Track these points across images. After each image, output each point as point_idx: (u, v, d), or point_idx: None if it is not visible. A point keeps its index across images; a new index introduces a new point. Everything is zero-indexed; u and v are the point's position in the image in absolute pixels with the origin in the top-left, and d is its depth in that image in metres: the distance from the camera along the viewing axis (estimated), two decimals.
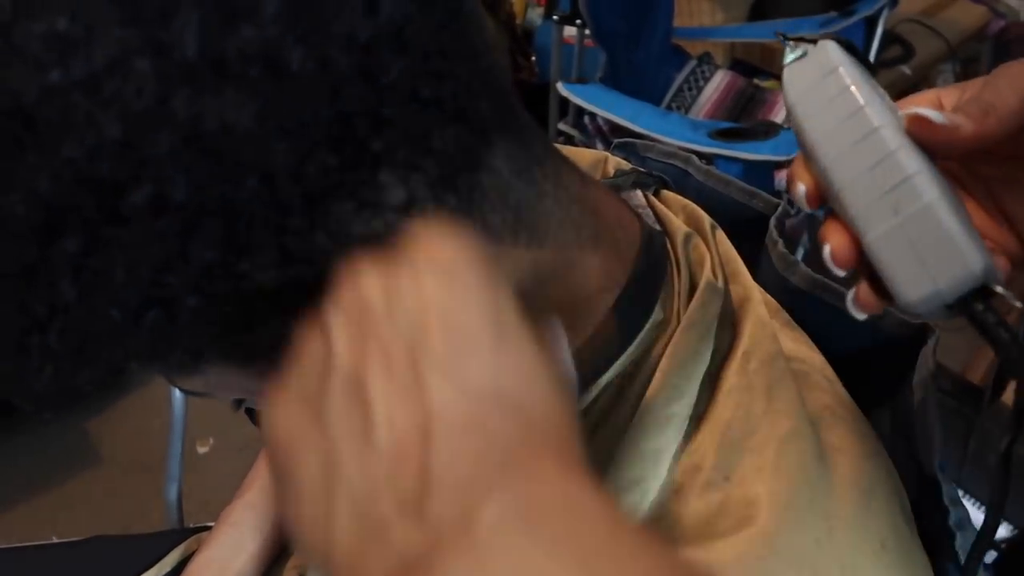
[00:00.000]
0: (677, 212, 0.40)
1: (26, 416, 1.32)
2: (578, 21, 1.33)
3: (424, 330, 0.23)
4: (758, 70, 1.76)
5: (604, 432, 0.34)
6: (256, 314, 0.26)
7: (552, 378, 0.23)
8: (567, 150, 0.44)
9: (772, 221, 0.44)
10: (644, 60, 1.47)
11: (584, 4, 1.27)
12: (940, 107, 0.28)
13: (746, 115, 1.52)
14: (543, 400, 0.23)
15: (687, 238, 0.36)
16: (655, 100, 1.52)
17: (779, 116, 1.45)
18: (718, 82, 1.55)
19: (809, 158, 0.30)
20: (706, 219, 0.39)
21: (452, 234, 0.25)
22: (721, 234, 0.39)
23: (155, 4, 0.22)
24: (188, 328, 0.25)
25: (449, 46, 0.26)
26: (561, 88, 1.33)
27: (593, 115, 1.34)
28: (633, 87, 1.43)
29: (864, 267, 0.29)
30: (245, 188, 0.23)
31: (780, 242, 0.43)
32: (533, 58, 1.82)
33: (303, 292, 0.26)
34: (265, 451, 0.25)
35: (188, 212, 0.23)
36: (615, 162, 0.44)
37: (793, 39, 0.30)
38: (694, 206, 0.40)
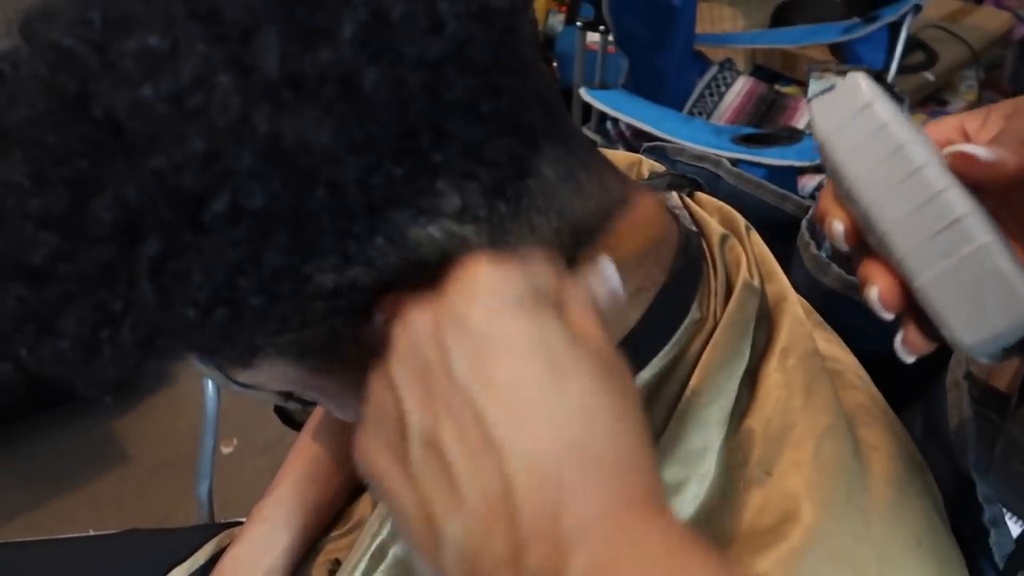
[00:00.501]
0: (712, 213, 0.41)
1: (53, 415, 1.34)
2: (601, 27, 1.34)
3: (484, 387, 0.24)
4: (779, 76, 1.76)
5: None
6: (313, 313, 0.28)
7: (615, 409, 0.25)
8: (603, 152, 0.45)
9: (804, 223, 0.45)
10: (666, 66, 1.48)
11: (607, 10, 1.28)
12: (964, 134, 0.28)
13: (768, 121, 1.51)
14: (608, 439, 0.24)
15: (723, 239, 0.37)
16: (677, 106, 1.52)
17: (801, 122, 1.45)
18: (740, 88, 1.55)
19: (845, 196, 0.29)
20: (741, 220, 0.40)
21: (493, 271, 0.26)
22: (756, 235, 0.40)
23: (237, 24, 0.23)
24: (250, 325, 0.27)
25: (505, 61, 0.27)
26: (584, 94, 1.34)
27: (616, 120, 1.35)
28: (655, 93, 1.44)
29: (912, 309, 0.28)
30: (315, 198, 0.24)
31: (812, 244, 0.43)
32: (554, 64, 1.84)
33: (357, 293, 0.27)
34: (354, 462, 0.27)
35: (262, 220, 0.24)
36: (649, 165, 0.45)
37: (820, 71, 0.30)
38: (728, 208, 0.41)
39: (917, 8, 1.39)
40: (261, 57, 0.23)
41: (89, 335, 0.25)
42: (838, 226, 0.29)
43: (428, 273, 0.27)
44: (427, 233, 0.27)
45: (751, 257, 0.38)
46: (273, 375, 0.31)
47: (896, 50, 1.43)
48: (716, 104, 1.56)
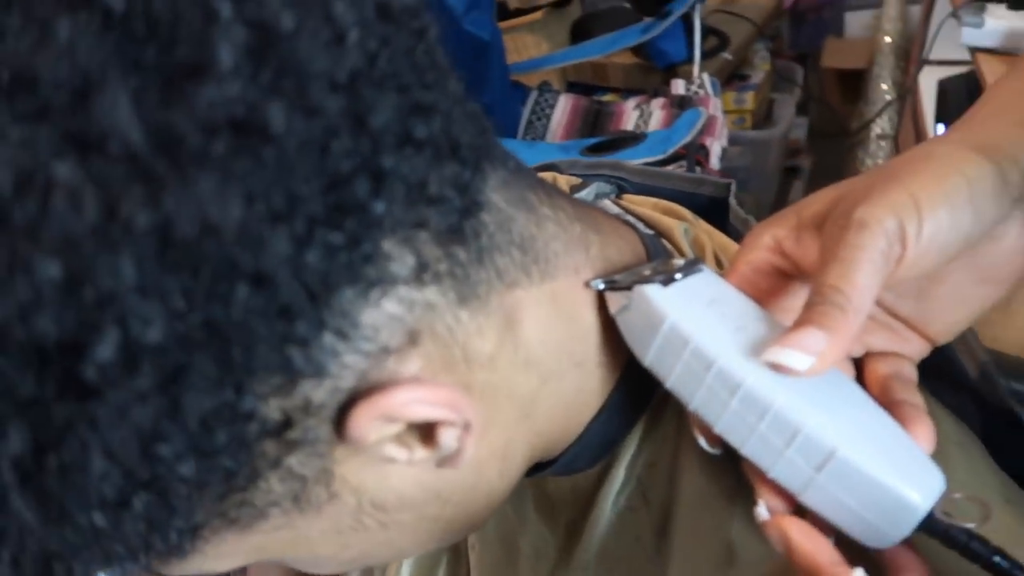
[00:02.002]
0: (651, 210, 0.37)
1: None
2: None
3: None
4: (594, 87, 1.82)
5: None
6: (263, 458, 0.21)
7: None
8: None
9: (732, 201, 0.43)
10: (490, 100, 1.48)
11: None
12: (781, 252, 0.27)
13: (599, 130, 1.55)
14: None
15: (685, 231, 0.34)
16: (509, 136, 1.53)
17: (629, 124, 1.50)
18: (563, 106, 1.58)
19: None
20: (683, 210, 0.37)
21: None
22: (704, 223, 0.37)
23: (63, 85, 0.16)
24: (184, 504, 0.20)
25: (425, 70, 0.22)
26: None
27: None
28: None
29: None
30: (237, 301, 0.18)
31: (751, 219, 0.41)
32: None
33: (313, 417, 0.21)
34: None
35: (171, 353, 0.17)
36: (566, 179, 0.41)
37: (606, 289, 0.27)
38: (665, 202, 0.38)
39: None
40: (110, 122, 0.16)
41: None
42: (700, 439, 0.27)
43: (399, 361, 0.22)
44: (384, 312, 0.21)
45: (713, 245, 0.35)
46: (221, 553, 0.23)
47: (696, 38, 1.51)
48: (546, 126, 1.58)
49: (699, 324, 0.25)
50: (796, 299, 0.28)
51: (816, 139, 2.06)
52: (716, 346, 0.24)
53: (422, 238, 0.22)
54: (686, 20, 1.52)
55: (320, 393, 0.21)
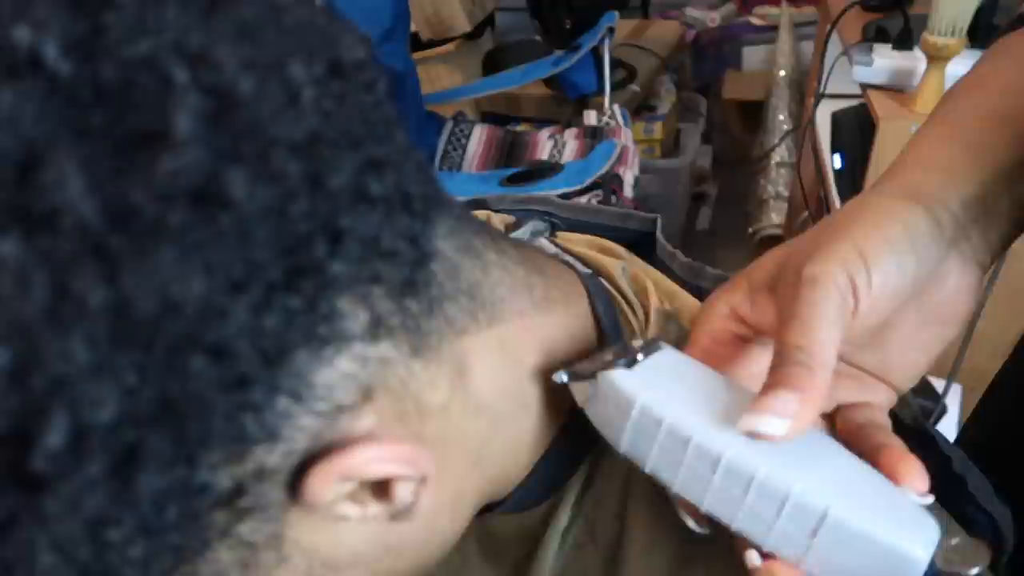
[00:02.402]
0: (587, 248, 0.38)
1: None
2: None
3: None
4: (508, 117, 1.84)
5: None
6: (213, 528, 0.20)
7: None
8: None
9: (659, 235, 0.44)
10: (407, 131, 1.48)
11: None
12: (738, 318, 0.28)
13: (514, 159, 1.57)
14: None
15: (623, 269, 0.35)
16: None
17: (544, 153, 1.52)
18: (479, 136, 1.59)
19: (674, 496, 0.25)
20: (620, 248, 0.38)
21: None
22: (638, 260, 0.38)
23: (11, 155, 0.15)
24: None
25: (376, 125, 0.22)
26: None
27: None
28: None
29: None
30: (192, 373, 0.17)
31: (678, 252, 0.42)
32: None
33: (264, 483, 0.20)
34: None
35: (124, 433, 0.17)
36: (500, 218, 0.42)
37: (570, 381, 0.26)
38: (600, 239, 0.39)
39: (611, 30, 1.52)
40: (58, 196, 0.15)
41: None
42: (690, 521, 0.26)
43: (353, 418, 0.21)
44: (337, 370, 0.21)
45: (650, 280, 0.36)
46: None
47: (605, 71, 1.55)
48: (462, 156, 1.59)
49: (669, 402, 0.24)
50: (758, 364, 0.28)
51: (721, 167, 2.15)
52: (690, 422, 0.24)
53: (376, 293, 0.21)
54: (595, 53, 1.57)
55: (274, 457, 0.20)
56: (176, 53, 0.17)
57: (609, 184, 1.17)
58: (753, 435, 0.23)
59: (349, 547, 0.24)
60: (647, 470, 0.25)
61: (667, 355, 0.27)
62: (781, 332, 0.24)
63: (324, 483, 0.21)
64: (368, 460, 0.22)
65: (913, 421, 0.35)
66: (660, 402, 0.24)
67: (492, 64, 1.88)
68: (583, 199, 1.23)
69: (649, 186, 1.79)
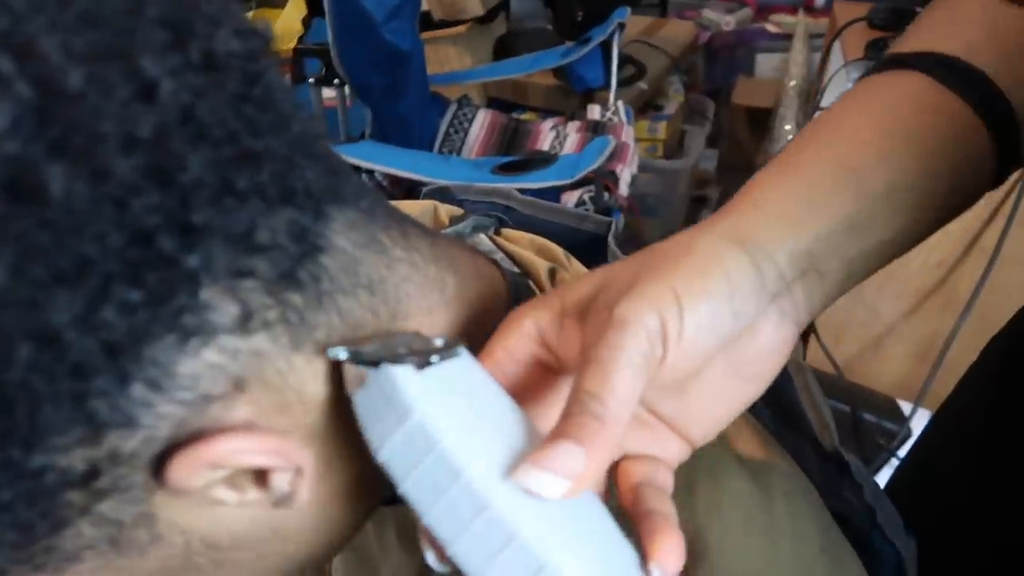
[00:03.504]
0: (526, 248, 0.38)
1: None
2: (336, 81, 1.30)
3: None
4: (514, 104, 1.84)
5: None
6: (68, 507, 0.20)
7: None
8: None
9: (611, 240, 0.44)
10: (407, 111, 1.47)
11: (340, 64, 1.25)
12: (542, 343, 0.26)
13: (515, 147, 1.57)
14: None
15: (551, 273, 0.35)
16: (425, 148, 1.53)
17: (545, 144, 1.52)
18: (482, 121, 1.59)
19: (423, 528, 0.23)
20: (558, 249, 0.38)
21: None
22: (576, 262, 0.38)
23: None
24: None
25: (255, 117, 0.21)
26: None
27: (371, 172, 1.31)
28: (402, 139, 1.43)
29: None
30: (17, 363, 0.17)
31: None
32: None
33: (125, 465, 0.21)
34: None
35: None
36: (446, 209, 0.42)
37: (347, 360, 0.23)
38: (542, 239, 0.39)
39: (621, 26, 1.51)
40: None
41: None
42: (426, 551, 0.24)
43: (224, 408, 0.22)
44: (203, 361, 0.21)
45: None
46: None
47: (612, 67, 1.55)
48: (463, 140, 1.59)
49: (450, 425, 0.22)
50: (558, 395, 0.27)
51: (725, 171, 2.14)
52: (467, 454, 0.22)
53: (247, 286, 0.21)
54: (605, 48, 1.56)
55: (131, 443, 0.20)
56: (3, 42, 0.17)
57: (601, 180, 1.17)
58: (528, 490, 0.21)
59: (229, 529, 0.24)
60: (401, 491, 0.22)
61: (463, 364, 0.25)
62: (580, 374, 0.23)
63: (189, 470, 0.21)
64: (234, 451, 0.22)
65: (832, 449, 0.35)
66: (440, 420, 0.22)
67: (503, 50, 1.87)
68: (575, 193, 1.23)
69: (649, 186, 1.78)
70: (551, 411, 0.26)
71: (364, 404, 0.23)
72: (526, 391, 0.27)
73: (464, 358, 0.25)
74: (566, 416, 0.22)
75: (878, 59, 0.35)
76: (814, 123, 0.33)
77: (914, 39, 0.35)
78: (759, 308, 0.26)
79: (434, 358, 0.23)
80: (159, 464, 0.21)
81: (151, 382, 0.20)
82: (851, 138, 0.30)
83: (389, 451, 0.22)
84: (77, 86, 0.18)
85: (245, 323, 0.21)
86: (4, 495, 0.19)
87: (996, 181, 0.34)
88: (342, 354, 0.23)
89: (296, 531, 0.26)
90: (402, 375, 0.22)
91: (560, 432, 0.22)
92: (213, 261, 0.20)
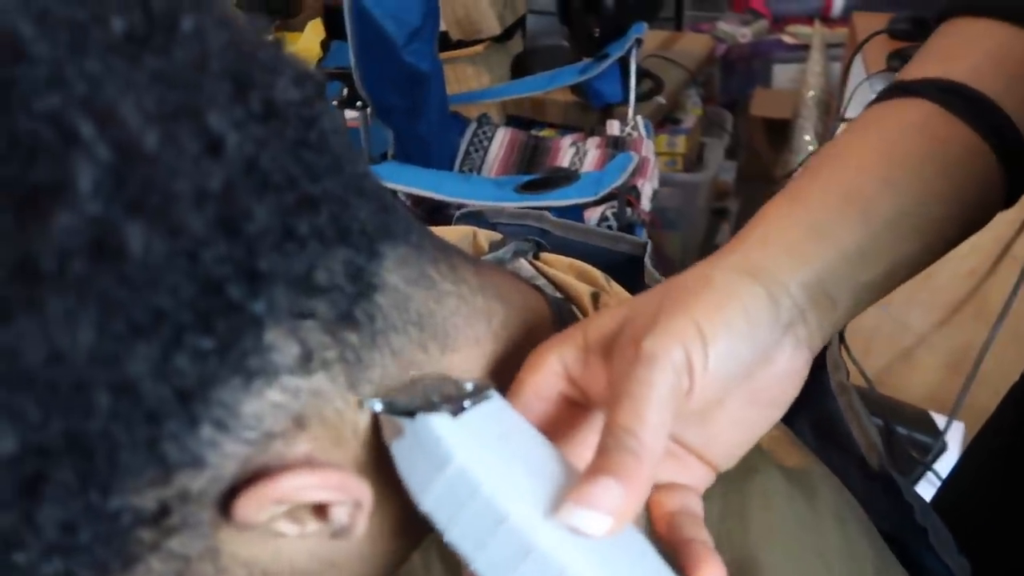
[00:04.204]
0: (566, 272, 0.38)
1: None
2: (358, 103, 1.32)
3: None
4: (533, 122, 1.84)
5: None
6: (139, 545, 0.21)
7: None
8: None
9: (647, 260, 0.44)
10: (428, 131, 1.48)
11: (362, 86, 1.26)
12: (568, 379, 0.27)
13: (535, 165, 1.57)
14: None
15: (594, 297, 0.35)
16: (445, 167, 1.54)
17: (565, 160, 1.52)
18: (501, 139, 1.60)
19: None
20: (598, 273, 0.38)
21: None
22: (616, 286, 0.38)
23: None
24: None
25: (313, 162, 0.22)
26: None
27: (394, 192, 1.32)
28: (423, 158, 1.44)
29: None
30: (98, 412, 0.18)
31: (664, 280, 0.43)
32: None
33: (193, 504, 0.21)
34: None
35: (24, 464, 0.18)
36: (485, 235, 0.42)
37: (383, 411, 0.24)
38: (580, 263, 0.39)
39: (639, 41, 1.52)
40: None
41: None
42: None
43: (286, 444, 0.22)
44: (267, 401, 0.21)
45: None
46: None
47: (631, 83, 1.55)
48: (483, 158, 1.60)
49: (489, 469, 0.22)
50: (587, 430, 0.27)
51: (744, 183, 2.14)
52: (509, 497, 0.22)
53: (308, 327, 0.22)
54: (623, 63, 1.57)
55: (199, 482, 0.21)
56: (84, 108, 0.18)
57: (624, 196, 1.17)
58: (572, 528, 0.22)
59: (289, 561, 0.25)
60: (447, 539, 0.23)
61: (495, 407, 0.25)
62: (612, 409, 0.23)
63: (255, 506, 0.22)
64: (298, 487, 0.22)
65: (879, 467, 0.35)
66: (479, 465, 0.22)
67: (520, 67, 1.88)
68: (597, 210, 1.23)
69: (669, 199, 1.78)
70: (582, 446, 0.27)
71: (403, 454, 0.23)
72: (556, 427, 0.27)
73: (495, 400, 0.25)
74: (602, 452, 0.22)
75: (894, 81, 0.36)
76: (820, 153, 0.33)
77: (920, 66, 0.35)
78: (775, 337, 0.26)
79: (467, 403, 0.24)
80: (225, 501, 0.22)
81: (218, 423, 0.20)
82: (856, 166, 0.31)
83: (431, 500, 0.23)
84: (152, 147, 0.18)
85: (306, 363, 0.22)
86: (83, 536, 0.19)
87: (1007, 203, 0.34)
88: (377, 405, 0.24)
89: (351, 562, 0.27)
90: (438, 423, 0.23)
91: (598, 468, 0.22)
92: (276, 305, 0.21)
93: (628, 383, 0.23)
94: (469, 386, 0.25)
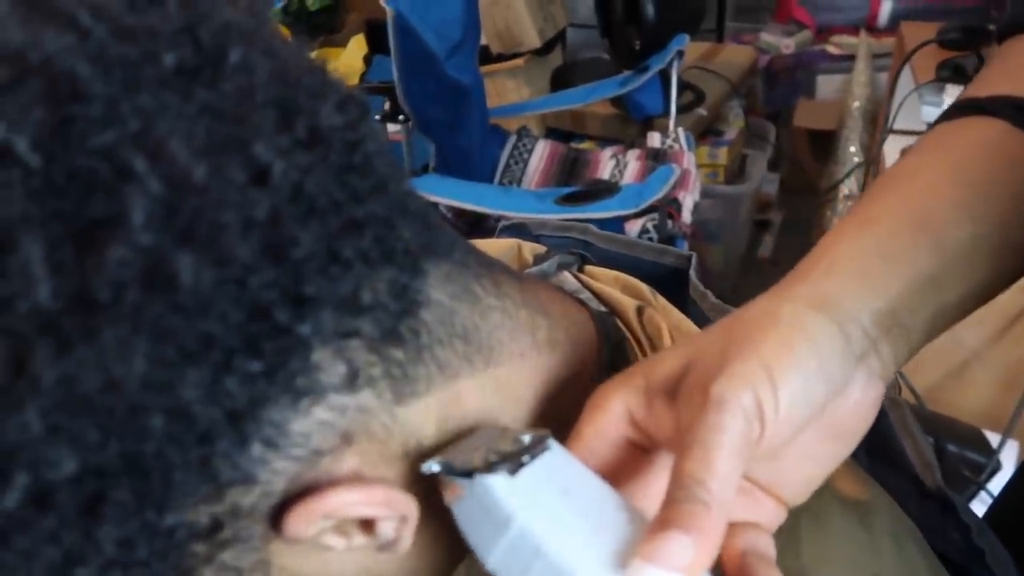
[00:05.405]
0: (610, 284, 0.38)
1: None
2: (400, 117, 1.33)
3: None
4: (572, 134, 1.85)
5: None
6: (192, 559, 0.21)
7: None
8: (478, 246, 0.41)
9: (693, 273, 0.44)
10: (468, 143, 1.50)
11: (404, 100, 1.28)
12: (633, 423, 0.26)
13: (575, 177, 1.58)
14: None
15: (639, 311, 0.35)
16: (486, 179, 1.55)
17: (605, 173, 1.52)
18: (541, 152, 1.60)
19: None
20: (644, 287, 0.38)
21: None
22: (662, 299, 0.38)
23: None
24: None
25: (357, 186, 0.22)
26: None
27: (435, 205, 1.33)
28: (464, 171, 1.45)
29: None
30: (153, 436, 0.19)
31: (709, 293, 0.42)
32: None
33: (244, 518, 0.22)
34: None
35: (84, 485, 0.18)
36: (530, 248, 0.42)
37: (441, 473, 0.23)
38: (625, 276, 0.39)
39: (680, 54, 1.51)
40: (22, 280, 0.17)
41: None
42: None
43: (334, 460, 0.22)
44: (314, 419, 0.22)
45: (667, 324, 0.36)
46: None
47: (672, 94, 1.54)
48: (523, 171, 1.60)
49: (553, 527, 0.22)
50: (653, 474, 0.27)
51: (787, 195, 2.11)
52: (575, 556, 0.21)
53: (353, 346, 0.22)
54: (664, 75, 1.56)
55: (250, 498, 0.21)
56: (137, 143, 0.18)
57: (666, 208, 1.16)
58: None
59: (336, 573, 0.25)
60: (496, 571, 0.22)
61: (554, 458, 0.25)
62: (681, 457, 0.22)
63: (304, 521, 0.22)
64: (346, 503, 0.22)
65: (935, 487, 0.34)
66: (542, 524, 0.22)
67: (560, 80, 1.89)
68: (638, 222, 1.23)
69: (710, 212, 1.77)
70: (648, 491, 0.26)
71: (464, 515, 0.23)
72: (620, 472, 0.26)
73: (555, 450, 0.25)
74: (670, 502, 0.22)
75: (951, 91, 0.35)
76: (888, 174, 0.32)
77: (986, 83, 0.34)
78: (847, 372, 0.25)
79: (525, 458, 0.23)
80: (275, 515, 0.22)
81: (267, 441, 0.21)
82: (927, 190, 0.30)
83: (496, 560, 0.22)
84: (201, 179, 0.19)
85: (352, 381, 0.22)
86: (140, 552, 0.20)
87: None
88: (435, 467, 0.23)
89: (396, 574, 0.27)
90: (497, 484, 0.22)
91: (666, 520, 0.21)
92: (322, 326, 0.21)
93: (697, 430, 0.23)
94: (527, 438, 0.25)
